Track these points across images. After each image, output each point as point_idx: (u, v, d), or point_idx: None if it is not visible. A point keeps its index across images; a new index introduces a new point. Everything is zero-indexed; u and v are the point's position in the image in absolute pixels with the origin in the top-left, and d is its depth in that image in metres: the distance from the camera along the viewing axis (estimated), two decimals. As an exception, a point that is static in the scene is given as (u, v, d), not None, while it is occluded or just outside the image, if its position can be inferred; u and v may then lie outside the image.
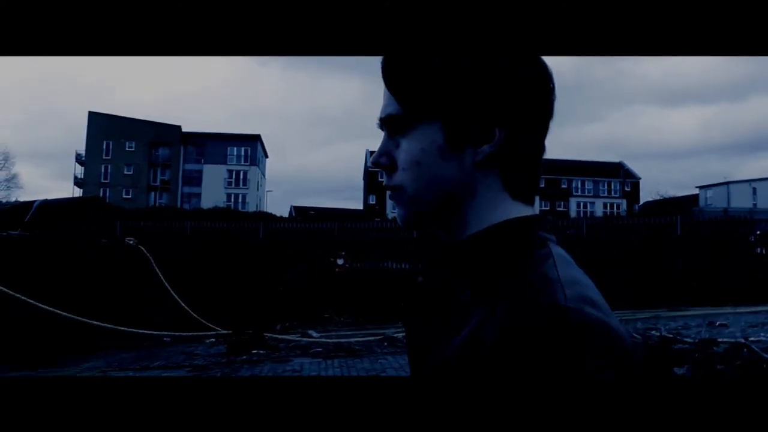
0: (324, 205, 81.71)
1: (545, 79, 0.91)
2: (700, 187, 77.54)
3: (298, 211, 66.80)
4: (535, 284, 0.77)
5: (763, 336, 8.64)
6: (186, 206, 57.07)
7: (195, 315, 12.78)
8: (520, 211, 0.91)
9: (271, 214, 32.48)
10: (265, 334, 10.36)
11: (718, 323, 11.12)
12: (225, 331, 11.37)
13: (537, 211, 0.94)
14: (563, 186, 76.16)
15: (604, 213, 68.80)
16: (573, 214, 70.26)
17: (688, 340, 8.56)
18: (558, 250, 0.85)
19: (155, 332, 11.41)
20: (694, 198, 73.46)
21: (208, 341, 11.69)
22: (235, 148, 71.56)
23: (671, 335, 8.74)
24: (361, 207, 77.88)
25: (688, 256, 18.40)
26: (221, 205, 53.47)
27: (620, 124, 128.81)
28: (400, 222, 0.97)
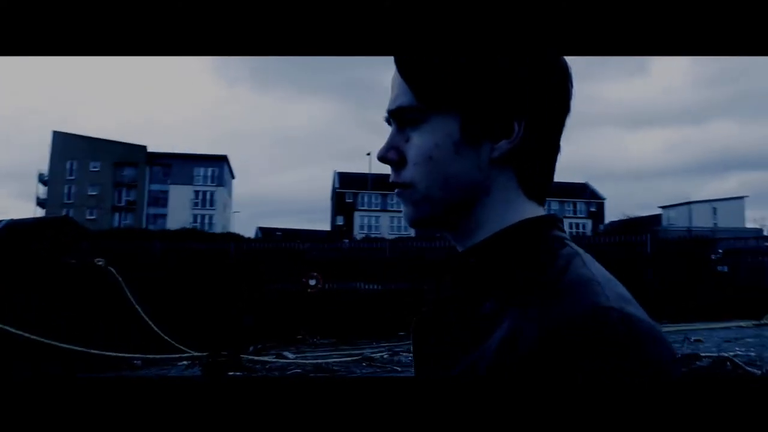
0: (291, 226, 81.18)
1: (565, 74, 0.89)
2: (663, 207, 79.07)
3: (265, 233, 66.35)
4: (572, 285, 0.74)
5: (739, 350, 8.80)
6: (151, 227, 56.35)
7: (166, 337, 12.55)
8: (535, 211, 0.88)
9: (239, 235, 32.16)
10: (241, 355, 10.19)
11: (693, 339, 11.31)
12: (199, 354, 11.16)
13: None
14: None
15: (570, 233, 69.51)
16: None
17: None
18: (580, 249, 0.83)
19: (125, 355, 11.15)
20: (657, 218, 74.81)
21: (180, 364, 11.47)
22: (201, 169, 71.03)
23: None
24: (328, 228, 77.72)
25: (660, 273, 18.74)
26: (188, 226, 52.88)
27: (586, 146, 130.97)
28: (407, 221, 0.92)
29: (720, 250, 22.74)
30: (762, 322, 14.34)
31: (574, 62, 0.91)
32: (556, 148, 0.90)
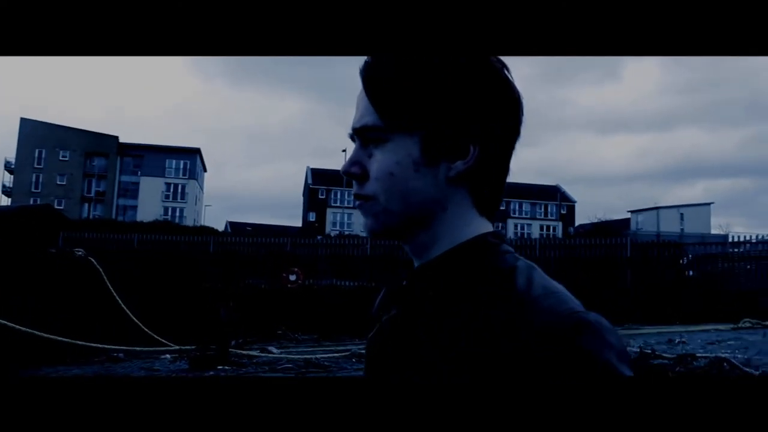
0: (261, 221, 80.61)
1: (517, 104, 0.94)
2: (632, 212, 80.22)
3: (234, 227, 65.88)
4: (543, 295, 0.81)
5: (724, 353, 9.03)
6: (120, 218, 55.56)
7: (147, 330, 12.44)
8: (486, 227, 0.95)
9: (214, 229, 31.96)
10: (229, 349, 10.14)
11: (677, 341, 11.52)
12: (186, 347, 11.08)
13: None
14: (501, 207, 77.31)
15: (541, 235, 70.25)
16: (510, 235, 71.58)
17: (666, 355, 8.87)
18: (530, 262, 0.89)
19: (109, 346, 11.03)
20: (626, 222, 75.86)
21: (163, 357, 11.38)
22: (174, 161, 70.25)
23: (648, 350, 9.03)
24: (299, 224, 77.40)
25: (636, 276, 19.09)
26: (159, 218, 52.29)
27: (557, 150, 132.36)
28: (367, 232, 0.98)
29: (690, 255, 23.16)
30: (739, 325, 14.66)
31: (546, 67, 0.97)
32: (506, 169, 0.97)
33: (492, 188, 0.95)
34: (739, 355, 8.71)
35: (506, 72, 0.94)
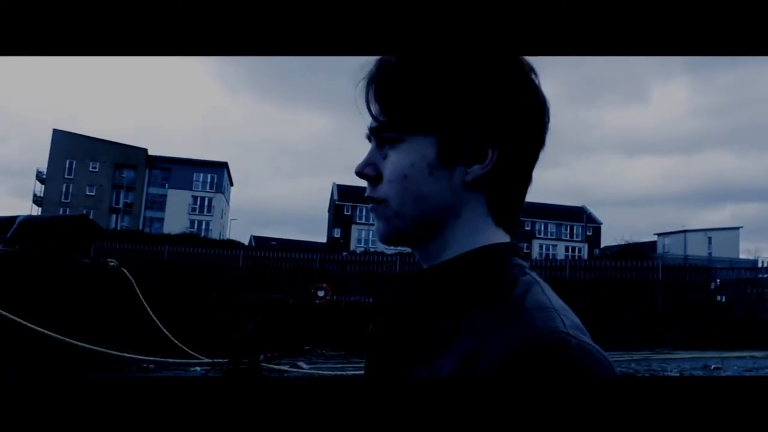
0: (285, 236, 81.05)
1: (543, 109, 0.91)
2: (659, 234, 79.41)
3: (259, 241, 66.21)
4: (532, 310, 0.77)
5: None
6: (147, 230, 56.14)
7: (177, 342, 12.52)
8: (501, 237, 0.91)
9: (242, 243, 32.18)
10: (262, 364, 10.16)
11: (713, 366, 11.34)
12: (219, 360, 11.13)
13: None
14: (527, 228, 77.18)
15: (566, 256, 69.70)
16: (535, 255, 71.12)
17: None
18: (539, 278, 0.86)
19: (140, 357, 11.11)
20: (652, 244, 75.08)
21: (193, 369, 11.43)
22: (201, 174, 70.82)
23: (689, 376, 8.90)
24: (324, 240, 77.62)
25: (667, 299, 18.87)
26: (185, 231, 52.75)
27: (583, 171, 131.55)
28: (378, 236, 0.95)
29: (717, 280, 22.87)
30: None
31: (570, 87, 0.92)
32: (527, 179, 0.93)
33: (510, 196, 0.91)
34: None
35: (533, 75, 0.90)
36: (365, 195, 0.94)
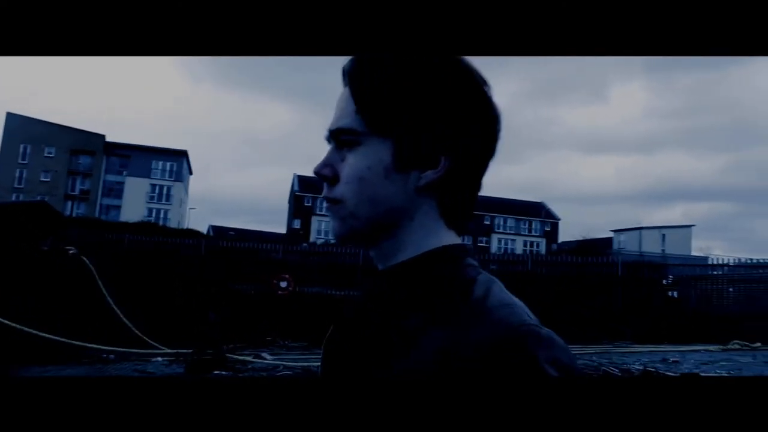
0: (243, 226, 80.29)
1: (495, 121, 0.95)
2: (614, 231, 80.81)
3: (217, 231, 65.48)
4: (498, 306, 0.82)
5: (719, 372, 9.18)
6: (104, 218, 55.06)
7: (137, 332, 12.36)
8: (453, 239, 0.96)
9: (204, 233, 31.84)
10: (226, 354, 10.11)
11: (671, 359, 11.67)
12: (183, 351, 11.03)
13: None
14: (486, 222, 77.85)
15: (524, 251, 70.55)
16: (494, 249, 71.83)
17: (670, 374, 9.01)
18: (492, 276, 0.91)
19: (102, 347, 10.94)
20: (608, 241, 76.39)
21: (155, 360, 11.31)
22: (160, 162, 69.76)
23: (652, 369, 9.16)
24: (284, 231, 77.15)
25: (627, 295, 19.32)
26: (143, 219, 51.90)
27: (542, 168, 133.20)
28: (334, 235, 0.98)
29: (671, 276, 23.45)
30: (728, 347, 14.88)
31: (533, 84, 0.97)
32: (477, 186, 0.97)
33: (461, 201, 0.96)
34: (734, 376, 8.87)
35: (487, 89, 0.95)
36: (322, 195, 0.98)
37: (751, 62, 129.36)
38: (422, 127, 0.91)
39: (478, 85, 0.94)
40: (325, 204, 0.97)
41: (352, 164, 0.93)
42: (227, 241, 23.11)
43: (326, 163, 0.96)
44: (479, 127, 0.94)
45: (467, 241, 1.03)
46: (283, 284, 17.19)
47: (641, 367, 9.10)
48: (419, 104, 0.91)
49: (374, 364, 0.88)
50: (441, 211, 0.95)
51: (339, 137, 0.95)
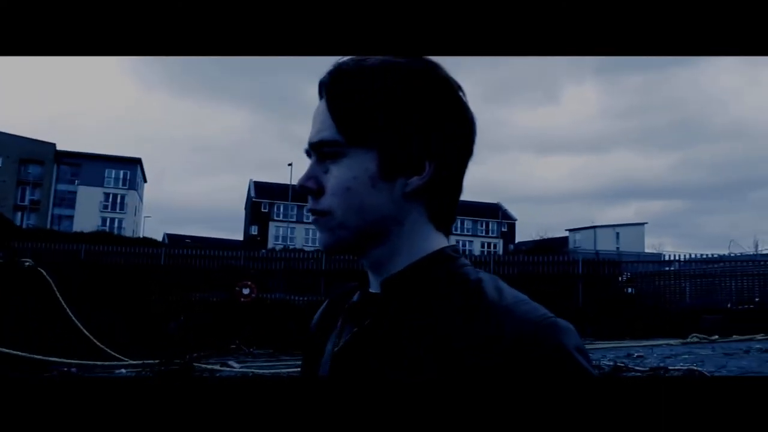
0: (200, 233, 79.33)
1: (472, 124, 0.99)
2: (570, 230, 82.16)
3: (172, 239, 64.57)
4: (515, 303, 0.85)
5: (682, 365, 9.42)
6: (56, 228, 53.75)
7: (99, 344, 12.11)
8: (443, 241, 0.98)
9: (161, 241, 31.37)
10: (194, 364, 9.98)
11: (635, 354, 11.93)
12: (150, 361, 10.84)
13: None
14: (445, 224, 78.28)
15: (482, 252, 71.20)
16: None
17: (639, 368, 9.19)
18: (491, 273, 0.94)
19: (63, 360, 10.69)
20: (564, 240, 77.65)
21: (118, 372, 11.10)
22: (113, 171, 68.39)
23: (621, 364, 9.34)
24: (240, 237, 76.45)
25: (589, 293, 19.68)
26: (97, 229, 50.86)
27: (498, 169, 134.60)
28: (322, 247, 0.99)
29: (626, 273, 23.95)
30: (688, 340, 15.29)
31: (487, 86, 1.01)
32: (460, 186, 1.00)
33: (447, 203, 0.98)
34: (699, 368, 9.09)
35: (462, 93, 0.98)
36: (307, 208, 0.99)
37: (695, 63, 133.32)
38: (405, 135, 0.93)
39: (454, 90, 0.97)
40: (311, 217, 0.98)
41: (337, 176, 0.94)
42: (188, 249, 22.78)
43: (309, 176, 0.96)
44: (459, 130, 0.97)
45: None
46: (246, 291, 17.03)
47: (611, 363, 9.28)
48: (400, 113, 0.92)
49: (404, 370, 0.87)
50: (429, 215, 0.97)
51: (321, 149, 0.95)
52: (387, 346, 0.91)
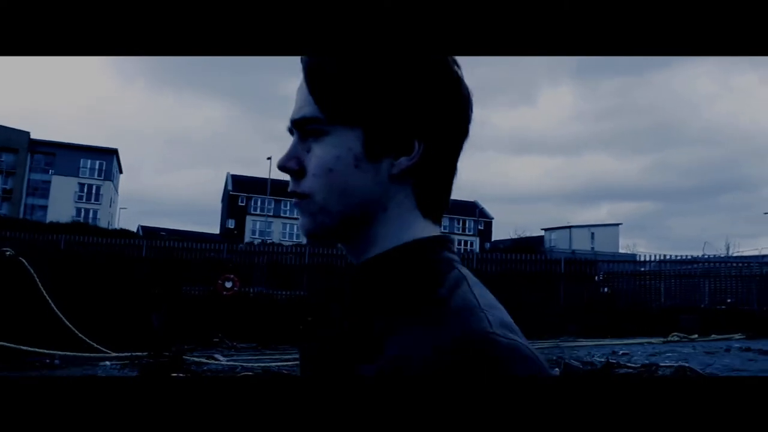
0: (175, 226, 78.47)
1: (467, 101, 0.91)
2: (545, 230, 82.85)
3: (147, 232, 63.91)
4: (458, 309, 0.77)
5: (670, 363, 9.60)
6: (29, 218, 52.96)
7: (81, 336, 12.00)
8: (430, 230, 0.90)
9: (132, 232, 31.11)
10: (183, 357, 9.94)
11: (621, 352, 12.13)
12: (138, 353, 10.77)
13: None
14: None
15: (458, 249, 71.30)
16: None
17: (631, 364, 9.35)
18: (467, 272, 0.85)
19: (47, 351, 10.58)
20: (540, 239, 78.31)
21: (102, 363, 11.02)
22: (89, 161, 67.50)
23: (614, 361, 9.48)
24: (217, 231, 75.92)
25: (571, 292, 19.95)
26: (72, 219, 50.21)
27: (475, 168, 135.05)
28: (303, 232, 0.92)
29: (602, 273, 24.27)
30: (669, 339, 15.60)
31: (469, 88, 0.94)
32: (453, 169, 0.92)
33: (438, 188, 0.90)
34: (684, 365, 9.27)
35: (456, 68, 0.90)
36: (288, 190, 0.92)
37: (669, 67, 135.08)
38: (392, 111, 0.85)
39: (447, 63, 0.89)
40: (292, 200, 0.92)
41: (319, 155, 0.87)
42: (169, 241, 22.60)
43: (291, 156, 0.90)
44: (452, 106, 0.88)
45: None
46: (229, 284, 16.98)
47: (603, 360, 9.43)
48: (386, 86, 0.85)
49: (342, 365, 0.85)
50: (417, 200, 0.89)
51: (304, 127, 0.88)
52: (344, 336, 0.88)
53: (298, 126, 0.89)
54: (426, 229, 0.89)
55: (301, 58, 0.90)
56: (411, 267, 0.85)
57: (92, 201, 67.38)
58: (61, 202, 63.86)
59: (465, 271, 0.85)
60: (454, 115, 0.89)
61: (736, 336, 15.93)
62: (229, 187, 74.79)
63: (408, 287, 0.83)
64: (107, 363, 11.05)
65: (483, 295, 0.81)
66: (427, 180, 0.89)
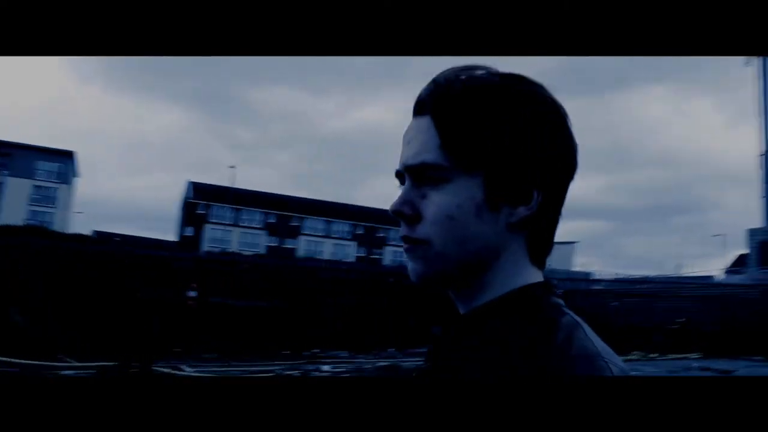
0: (130, 232, 76.70)
1: (576, 150, 0.93)
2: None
3: (102, 237, 62.55)
4: (578, 358, 0.78)
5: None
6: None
7: (43, 343, 11.81)
8: (536, 276, 0.91)
9: (88, 236, 30.49)
10: (153, 367, 9.84)
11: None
12: (107, 364, 10.61)
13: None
14: (359, 232, 78.00)
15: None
16: (302, 253, 72.12)
17: None
18: (579, 318, 0.86)
19: (4, 359, 10.38)
20: (497, 255, 78.72)
21: (64, 372, 10.85)
22: (46, 163, 65.85)
23: None
24: (173, 238, 74.66)
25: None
26: (26, 222, 48.91)
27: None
28: (414, 277, 0.91)
29: (559, 291, 24.64)
30: (629, 358, 15.86)
31: None
32: (560, 216, 0.94)
33: (549, 236, 0.92)
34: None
35: (568, 120, 0.92)
36: (401, 235, 0.91)
37: (627, 90, 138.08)
38: (513, 161, 0.86)
39: (561, 114, 0.91)
40: (405, 245, 0.92)
41: (438, 203, 0.87)
42: (133, 248, 22.16)
43: (405, 201, 0.90)
44: (567, 157, 0.91)
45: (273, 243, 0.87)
46: (192, 294, 16.79)
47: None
48: (509, 136, 0.86)
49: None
50: (528, 248, 0.91)
51: (424, 173, 0.89)
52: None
53: (413, 171, 0.90)
54: (533, 275, 0.91)
55: (420, 102, 0.92)
56: (523, 313, 0.86)
57: (47, 204, 65.58)
58: (14, 205, 61.90)
59: (576, 316, 0.86)
60: (569, 165, 0.91)
61: (693, 355, 16.26)
62: (189, 195, 73.75)
63: (521, 333, 0.83)
64: (70, 371, 10.88)
65: (599, 340, 0.82)
66: (542, 229, 0.91)
